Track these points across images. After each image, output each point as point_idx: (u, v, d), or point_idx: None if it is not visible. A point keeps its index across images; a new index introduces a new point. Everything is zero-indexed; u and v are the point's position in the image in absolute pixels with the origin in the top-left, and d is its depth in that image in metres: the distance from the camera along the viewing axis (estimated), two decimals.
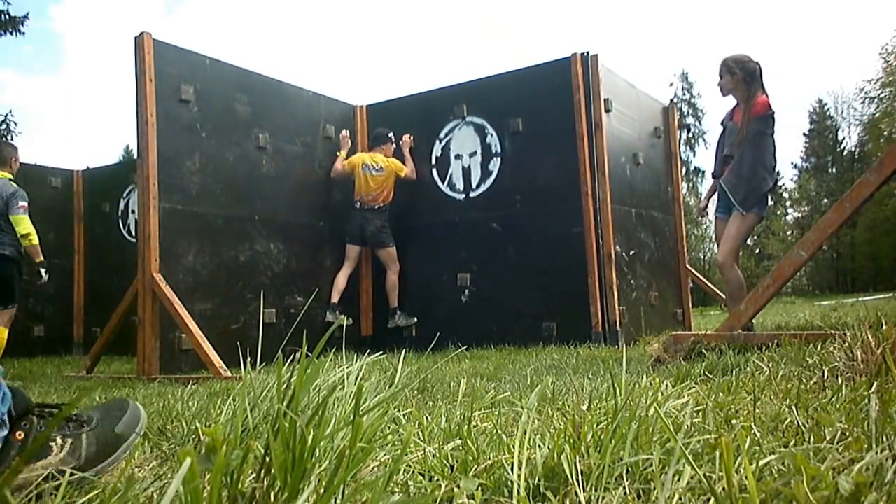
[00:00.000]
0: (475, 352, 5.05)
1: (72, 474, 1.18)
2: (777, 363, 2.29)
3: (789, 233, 42.28)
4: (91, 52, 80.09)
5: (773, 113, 4.21)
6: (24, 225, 5.01)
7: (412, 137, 6.38)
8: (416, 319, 6.28)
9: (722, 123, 4.50)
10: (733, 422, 1.32)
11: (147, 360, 4.59)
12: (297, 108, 6.07)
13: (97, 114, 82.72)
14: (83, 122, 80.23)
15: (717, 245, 4.53)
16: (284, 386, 0.96)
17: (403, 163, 6.28)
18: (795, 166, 44.99)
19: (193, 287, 4.98)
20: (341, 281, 6.17)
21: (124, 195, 8.02)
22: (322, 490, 0.80)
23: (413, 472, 1.11)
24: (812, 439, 1.15)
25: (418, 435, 1.32)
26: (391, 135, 6.31)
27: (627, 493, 0.95)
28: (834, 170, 42.51)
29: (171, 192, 4.90)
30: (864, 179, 2.98)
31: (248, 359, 1.48)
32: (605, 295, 5.51)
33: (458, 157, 6.21)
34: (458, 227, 6.18)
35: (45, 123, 76.09)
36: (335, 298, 6.10)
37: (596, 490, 0.94)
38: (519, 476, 0.95)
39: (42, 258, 5.17)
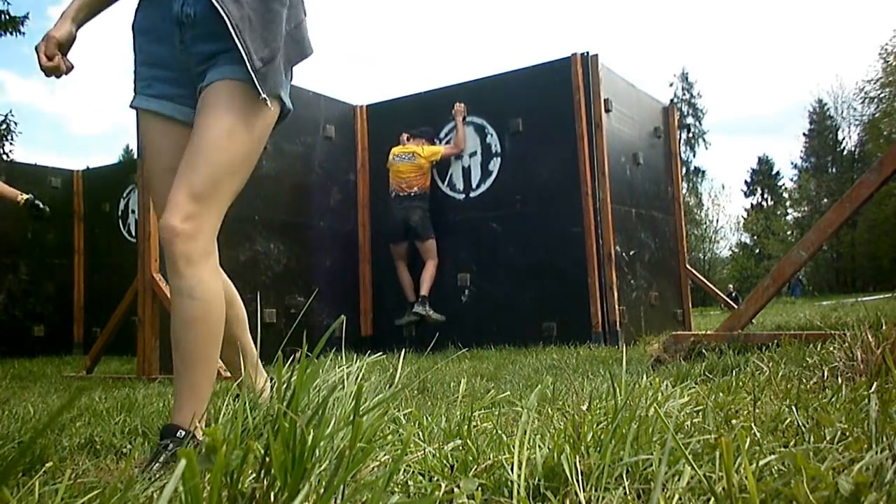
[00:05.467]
0: (475, 352, 5.04)
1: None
2: (777, 363, 2.28)
3: (789, 233, 42.33)
4: (91, 52, 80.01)
5: None
6: None
7: (464, 106, 6.15)
8: (443, 318, 6.01)
9: None
10: (733, 422, 1.32)
11: (147, 360, 4.59)
12: (297, 108, 6.00)
13: (97, 114, 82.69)
14: (83, 122, 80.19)
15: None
16: (284, 386, 0.96)
17: (457, 134, 6.11)
18: (795, 166, 45.06)
19: None
20: (405, 277, 6.06)
21: (124, 195, 8.01)
22: (322, 490, 0.80)
23: (413, 472, 1.11)
24: (812, 439, 1.15)
25: (418, 435, 1.32)
26: (431, 135, 6.22)
27: (627, 493, 0.95)
28: (834, 170, 42.57)
29: None
30: (864, 179, 2.98)
31: None
32: (605, 295, 5.50)
33: (457, 157, 6.21)
34: (458, 227, 6.17)
35: (45, 123, 76.06)
36: (413, 296, 5.97)
37: (596, 490, 0.94)
38: (519, 476, 0.95)
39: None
